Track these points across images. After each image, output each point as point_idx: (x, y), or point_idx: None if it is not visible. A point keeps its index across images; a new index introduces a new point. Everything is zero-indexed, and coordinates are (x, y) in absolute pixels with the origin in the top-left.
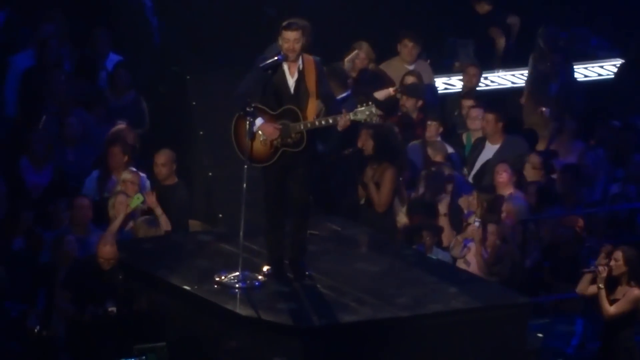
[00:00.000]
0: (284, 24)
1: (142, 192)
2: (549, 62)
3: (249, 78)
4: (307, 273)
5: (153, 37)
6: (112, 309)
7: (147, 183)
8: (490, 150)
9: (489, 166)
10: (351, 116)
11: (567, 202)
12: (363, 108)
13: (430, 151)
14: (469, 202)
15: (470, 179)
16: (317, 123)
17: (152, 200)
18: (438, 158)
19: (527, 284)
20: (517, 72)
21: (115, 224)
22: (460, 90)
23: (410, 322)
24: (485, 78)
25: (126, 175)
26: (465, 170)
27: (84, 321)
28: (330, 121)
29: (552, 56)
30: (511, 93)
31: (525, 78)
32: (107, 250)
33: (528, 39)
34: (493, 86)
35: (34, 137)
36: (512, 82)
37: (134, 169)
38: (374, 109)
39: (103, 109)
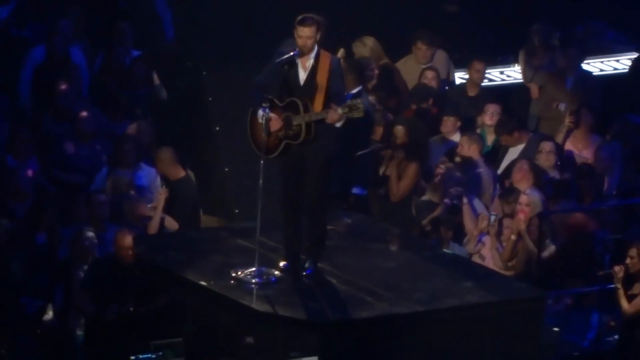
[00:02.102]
0: (298, 18)
1: (149, 187)
2: (540, 58)
3: (265, 70)
4: (305, 273)
5: (167, 33)
6: (132, 308)
7: (158, 179)
8: (516, 149)
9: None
10: (340, 110)
11: (583, 199)
12: (351, 102)
13: (466, 142)
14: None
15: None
16: (311, 117)
17: (159, 203)
18: (475, 152)
19: (543, 278)
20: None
21: (154, 225)
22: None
23: (426, 317)
24: (502, 72)
25: (116, 177)
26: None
27: (105, 319)
28: (323, 115)
29: (568, 50)
30: (519, 88)
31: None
32: (127, 239)
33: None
34: (509, 80)
35: (19, 135)
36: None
37: (144, 165)
38: (360, 105)
39: (121, 103)
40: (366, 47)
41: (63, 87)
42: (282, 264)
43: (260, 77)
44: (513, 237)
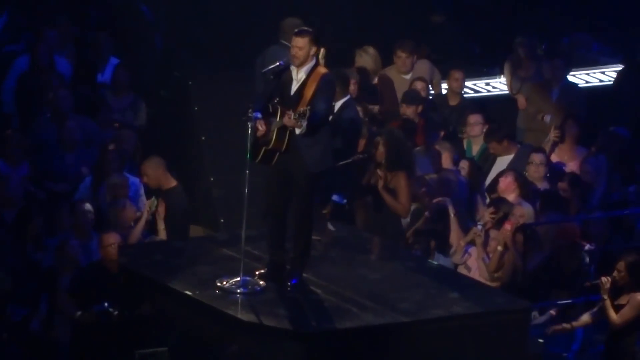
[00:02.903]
0: (295, 30)
1: (133, 196)
2: (526, 70)
3: (265, 80)
4: (289, 283)
5: (154, 43)
6: (113, 309)
7: (142, 189)
8: (504, 160)
9: None
10: (292, 116)
11: (569, 209)
12: (302, 110)
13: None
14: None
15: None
16: (278, 124)
17: (160, 211)
18: (447, 160)
19: (529, 290)
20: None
21: (137, 231)
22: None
23: (411, 327)
24: (487, 84)
25: (114, 180)
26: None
27: (87, 321)
28: (283, 122)
29: (554, 61)
30: (511, 99)
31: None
32: (112, 238)
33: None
34: (495, 92)
35: (9, 139)
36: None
37: (125, 174)
38: (306, 113)
39: (103, 112)
40: (369, 55)
41: (58, 90)
42: (257, 272)
43: (263, 85)
44: (500, 248)
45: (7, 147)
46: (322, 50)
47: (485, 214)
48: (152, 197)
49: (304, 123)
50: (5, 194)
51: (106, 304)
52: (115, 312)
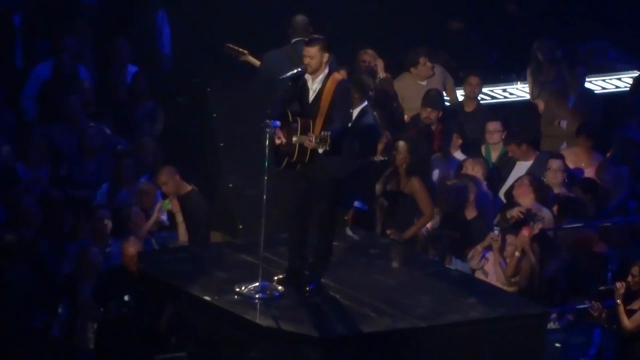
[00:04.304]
0: (307, 39)
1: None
2: (546, 74)
3: (282, 87)
4: (308, 288)
5: (164, 49)
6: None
7: (159, 197)
8: (523, 167)
9: None
10: (313, 140)
11: (585, 215)
12: (322, 134)
13: (470, 164)
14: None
15: (502, 195)
16: (301, 139)
17: (175, 205)
18: (478, 174)
19: (545, 295)
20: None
21: (146, 227)
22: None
23: (428, 332)
24: (504, 90)
25: (144, 187)
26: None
27: (110, 317)
28: (304, 144)
29: (574, 69)
30: (528, 105)
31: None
32: (132, 247)
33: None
34: (512, 98)
35: (29, 145)
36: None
37: (146, 181)
38: (326, 139)
39: (122, 119)
40: (370, 56)
41: (73, 97)
42: (276, 277)
43: (278, 93)
44: (517, 253)
45: (28, 152)
46: (342, 71)
47: (515, 210)
48: (165, 199)
49: (326, 147)
50: (25, 199)
51: (126, 297)
52: (132, 303)
